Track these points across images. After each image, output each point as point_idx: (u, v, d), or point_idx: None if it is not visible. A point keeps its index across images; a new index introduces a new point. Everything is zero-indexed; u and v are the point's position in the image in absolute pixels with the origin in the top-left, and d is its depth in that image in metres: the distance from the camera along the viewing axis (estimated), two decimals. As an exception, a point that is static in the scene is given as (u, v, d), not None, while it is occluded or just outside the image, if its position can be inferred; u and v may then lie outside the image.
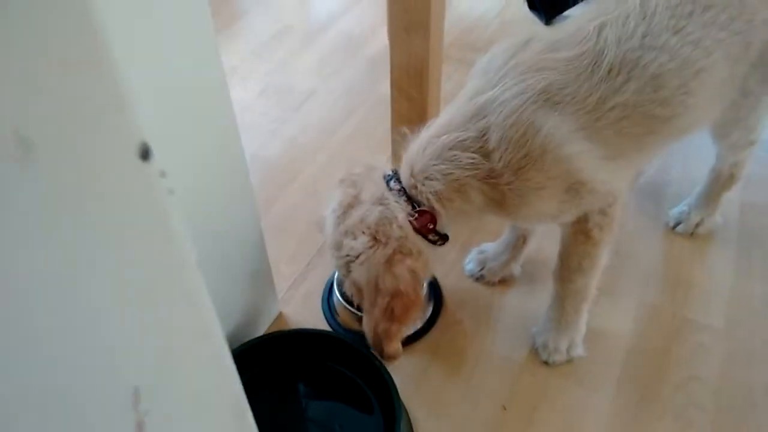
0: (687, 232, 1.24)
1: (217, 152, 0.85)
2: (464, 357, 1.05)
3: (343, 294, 1.07)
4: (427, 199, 0.85)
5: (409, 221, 0.86)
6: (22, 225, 0.25)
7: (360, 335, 0.98)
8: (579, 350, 1.04)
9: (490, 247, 1.18)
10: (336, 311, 1.12)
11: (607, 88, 0.80)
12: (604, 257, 0.97)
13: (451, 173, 0.84)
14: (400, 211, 0.85)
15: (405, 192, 0.87)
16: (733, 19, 0.85)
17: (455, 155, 0.83)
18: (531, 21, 1.94)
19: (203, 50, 0.76)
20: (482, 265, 1.17)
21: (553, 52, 0.82)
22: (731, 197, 1.25)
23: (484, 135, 0.82)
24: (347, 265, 0.88)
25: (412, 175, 0.86)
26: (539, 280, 1.17)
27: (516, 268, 1.17)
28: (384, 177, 0.89)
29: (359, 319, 1.04)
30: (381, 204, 0.86)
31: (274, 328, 1.11)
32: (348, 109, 1.60)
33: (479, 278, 1.18)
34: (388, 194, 0.87)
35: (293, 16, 2.02)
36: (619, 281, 1.17)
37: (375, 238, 0.85)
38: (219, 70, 0.80)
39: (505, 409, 0.98)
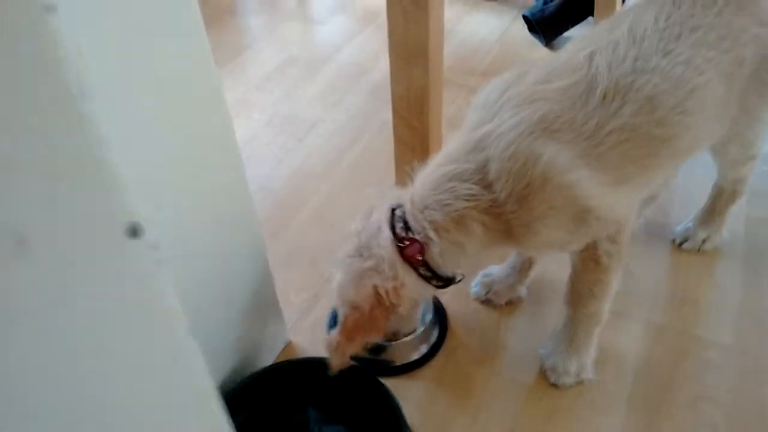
0: (694, 249, 1.24)
1: (221, 187, 0.87)
2: (472, 381, 1.06)
3: None
4: (423, 227, 0.87)
5: (398, 246, 0.87)
6: (17, 310, 0.28)
7: (363, 361, 1.02)
8: (589, 373, 1.04)
9: (496, 269, 1.19)
10: None
11: (604, 114, 0.82)
12: (615, 283, 0.97)
13: (449, 204, 0.85)
14: (385, 235, 0.88)
15: (404, 220, 0.88)
16: (722, 38, 0.87)
17: (453, 186, 0.84)
18: (531, 44, 1.98)
19: (206, 87, 0.78)
20: (488, 288, 1.18)
21: (546, 83, 0.84)
22: (736, 212, 1.26)
23: (484, 167, 0.83)
24: (335, 270, 0.92)
25: (412, 203, 0.88)
26: (546, 301, 1.18)
27: (522, 291, 1.18)
28: (393, 204, 0.91)
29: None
30: (378, 227, 0.89)
31: (283, 357, 1.12)
32: (352, 138, 1.63)
33: (485, 301, 1.18)
34: (387, 220, 0.89)
35: (297, 48, 2.06)
36: (626, 300, 1.17)
37: (359, 252, 0.89)
38: (223, 107, 0.81)
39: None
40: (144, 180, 0.72)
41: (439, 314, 1.16)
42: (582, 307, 0.99)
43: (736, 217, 1.26)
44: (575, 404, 1.01)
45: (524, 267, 1.15)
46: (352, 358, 1.05)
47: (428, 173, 0.89)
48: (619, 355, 1.08)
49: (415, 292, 0.91)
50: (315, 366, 1.00)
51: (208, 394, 0.42)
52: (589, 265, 0.94)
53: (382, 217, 0.90)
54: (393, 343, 1.07)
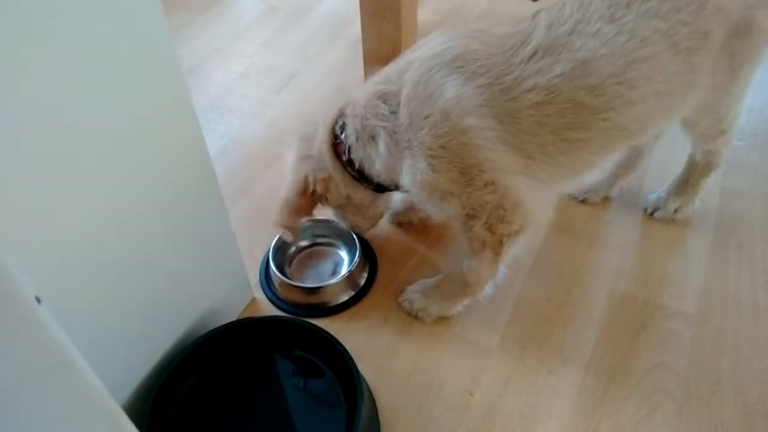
0: (665, 219, 1.24)
1: (179, 150, 0.84)
2: (433, 342, 1.06)
3: (278, 265, 1.12)
4: (350, 133, 0.94)
5: (330, 143, 0.96)
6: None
7: (298, 307, 1.10)
8: (453, 312, 1.07)
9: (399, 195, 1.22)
10: (273, 283, 1.14)
11: (528, 69, 0.80)
12: (487, 278, 0.99)
13: (368, 119, 0.91)
14: (322, 130, 0.97)
15: (344, 122, 0.95)
16: (679, 9, 0.83)
17: (376, 104, 0.90)
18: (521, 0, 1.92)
19: (160, 53, 0.74)
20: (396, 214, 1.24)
21: (490, 28, 0.84)
22: (711, 183, 1.25)
23: (401, 90, 0.86)
24: None
25: (352, 109, 0.95)
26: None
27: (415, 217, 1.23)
28: (341, 106, 0.98)
29: (297, 290, 1.11)
30: (322, 126, 0.98)
31: (248, 314, 1.11)
32: (329, 93, 1.59)
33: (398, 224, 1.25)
34: (330, 119, 0.97)
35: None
36: (593, 269, 1.17)
37: (305, 141, 1.00)
38: (177, 70, 0.78)
39: (471, 394, 0.99)
40: (100, 143, 0.70)
41: (369, 257, 1.18)
42: (456, 281, 1.01)
43: (710, 188, 1.25)
44: (534, 368, 1.02)
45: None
46: (282, 302, 1.10)
47: (367, 87, 0.93)
48: (581, 323, 1.08)
49: (347, 188, 1.00)
50: (275, 324, 1.00)
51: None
52: (466, 250, 0.95)
53: (330, 116, 0.98)
54: (325, 284, 1.10)
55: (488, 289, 1.03)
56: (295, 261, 1.20)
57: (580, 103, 0.81)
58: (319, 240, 1.23)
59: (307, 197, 1.00)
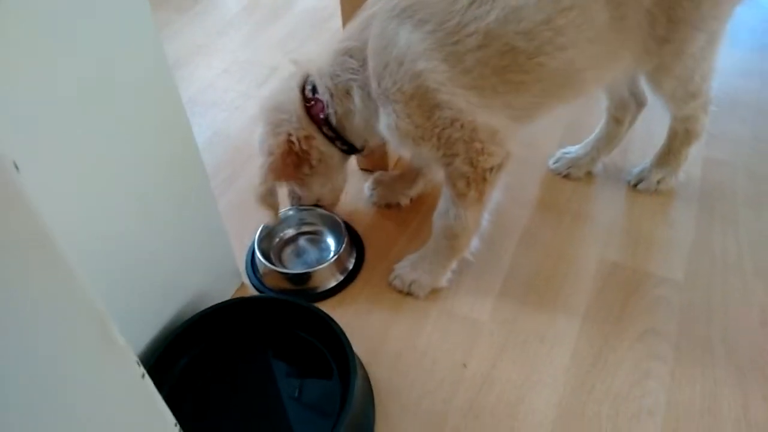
0: (649, 190, 1.25)
1: (167, 140, 0.85)
2: (424, 320, 1.06)
3: (263, 252, 1.12)
4: (323, 92, 0.99)
5: (305, 106, 1.01)
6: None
7: (286, 294, 1.09)
8: (444, 283, 1.09)
9: (387, 174, 1.28)
10: (258, 270, 1.13)
11: (469, 15, 0.84)
12: (474, 223, 1.01)
13: (338, 75, 0.96)
14: (295, 94, 1.02)
15: (313, 84, 1.00)
16: None
17: (344, 60, 0.95)
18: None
19: (145, 44, 0.75)
20: (376, 191, 1.26)
21: None
22: (693, 153, 1.26)
23: (365, 45, 0.91)
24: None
25: (319, 70, 0.99)
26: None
27: (405, 199, 1.25)
28: (307, 71, 1.02)
29: (284, 277, 1.10)
30: (291, 87, 1.03)
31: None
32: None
33: (379, 205, 1.26)
34: (298, 82, 1.02)
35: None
36: (580, 241, 1.17)
37: (278, 109, 1.03)
38: (162, 63, 0.79)
39: (465, 366, 0.99)
40: (91, 135, 0.71)
41: (356, 243, 1.18)
42: (444, 239, 1.04)
43: (693, 158, 1.26)
44: (527, 338, 1.02)
45: (410, 177, 1.23)
46: (268, 289, 1.09)
47: (330, 46, 0.98)
48: (571, 292, 1.08)
49: (323, 148, 1.04)
50: (265, 303, 0.99)
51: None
52: (451, 194, 0.97)
53: (296, 81, 1.02)
54: (312, 270, 1.10)
55: (475, 242, 1.05)
56: (281, 249, 1.19)
57: (515, 47, 0.86)
58: (305, 228, 1.22)
59: (292, 157, 1.03)
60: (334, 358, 0.94)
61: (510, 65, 0.87)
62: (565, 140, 1.37)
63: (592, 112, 1.33)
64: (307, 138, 1.03)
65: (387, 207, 1.25)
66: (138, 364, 0.40)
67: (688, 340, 1.01)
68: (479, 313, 1.06)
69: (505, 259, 1.14)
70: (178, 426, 0.46)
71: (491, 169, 0.93)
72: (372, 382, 0.96)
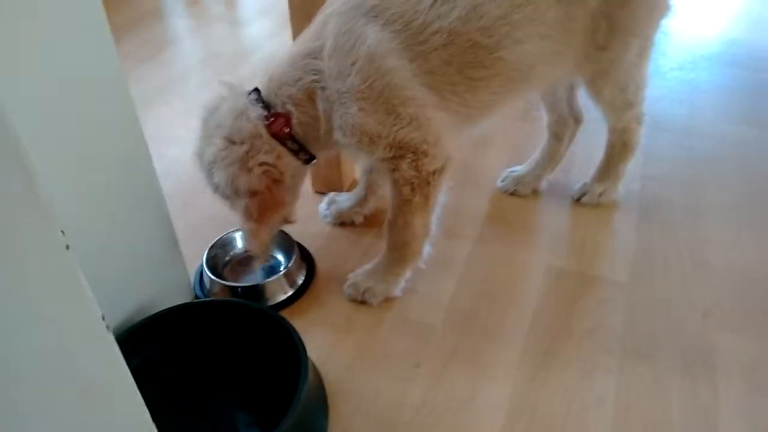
0: (592, 203, 1.31)
1: (125, 165, 0.90)
2: (378, 326, 1.07)
3: (212, 269, 1.12)
4: (283, 103, 0.94)
5: (265, 124, 0.94)
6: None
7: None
8: (397, 292, 1.10)
9: (341, 196, 1.30)
10: (209, 290, 1.13)
11: (432, 13, 0.89)
12: (422, 228, 1.03)
13: (301, 78, 0.93)
14: (254, 113, 0.94)
15: (262, 100, 0.95)
16: None
17: (306, 63, 0.93)
18: None
19: (106, 68, 0.81)
20: (331, 210, 1.29)
21: None
22: (632, 171, 1.33)
23: (326, 43, 0.91)
24: (210, 174, 0.95)
25: (270, 82, 0.95)
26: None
27: (359, 218, 1.28)
28: (246, 91, 0.97)
29: (233, 291, 1.10)
30: (237, 110, 0.94)
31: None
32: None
33: (338, 224, 1.28)
34: (245, 102, 0.95)
35: (220, 44, 2.08)
36: (528, 250, 1.21)
37: (230, 140, 0.94)
38: (124, 89, 0.85)
39: (418, 366, 0.99)
40: (50, 159, 0.75)
41: (307, 260, 1.19)
42: (395, 247, 1.06)
43: (631, 176, 1.34)
44: (478, 339, 1.03)
45: (363, 195, 1.26)
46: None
47: (285, 54, 0.96)
48: (519, 296, 1.11)
49: (293, 164, 0.99)
50: (217, 307, 0.99)
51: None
52: (399, 202, 1.00)
53: (239, 103, 0.95)
54: (261, 283, 1.10)
55: (427, 249, 1.07)
56: (231, 267, 1.19)
57: (476, 43, 0.91)
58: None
59: (277, 185, 0.96)
60: (286, 359, 0.94)
61: (472, 62, 0.92)
62: (512, 162, 1.43)
63: (536, 136, 1.40)
64: (279, 158, 0.96)
65: (341, 225, 1.28)
66: (62, 233, 0.39)
67: (634, 334, 1.04)
68: (432, 318, 1.07)
69: (457, 268, 1.17)
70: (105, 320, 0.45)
71: (434, 172, 0.97)
72: (326, 385, 0.96)
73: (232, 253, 1.21)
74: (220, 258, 1.19)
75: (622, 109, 1.16)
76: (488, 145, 1.52)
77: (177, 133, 1.60)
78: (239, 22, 2.27)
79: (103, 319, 0.46)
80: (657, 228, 1.25)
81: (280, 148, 0.96)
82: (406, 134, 0.93)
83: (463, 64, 0.92)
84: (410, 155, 0.94)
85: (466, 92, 0.95)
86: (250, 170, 0.93)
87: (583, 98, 1.23)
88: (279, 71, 0.95)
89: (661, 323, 1.05)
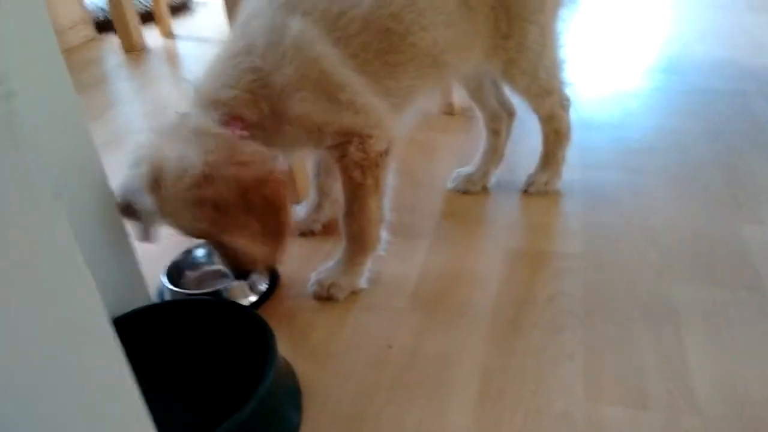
0: (539, 192, 1.36)
1: (85, 185, 0.90)
2: (345, 318, 1.06)
3: (173, 281, 1.11)
4: (231, 107, 0.91)
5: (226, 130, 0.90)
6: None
7: None
8: (362, 285, 1.11)
9: (297, 207, 1.30)
10: (166, 299, 1.11)
11: (345, 3, 0.94)
12: (376, 211, 1.05)
13: (240, 79, 0.92)
14: (213, 125, 0.89)
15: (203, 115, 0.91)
16: None
17: (240, 61, 0.92)
18: None
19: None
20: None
21: None
22: (574, 163, 1.41)
23: (255, 41, 0.93)
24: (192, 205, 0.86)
25: (205, 95, 0.92)
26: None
27: (317, 226, 1.29)
28: (179, 119, 0.91)
29: None
30: (192, 135, 0.87)
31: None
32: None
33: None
34: (191, 125, 0.89)
35: (166, 99, 2.12)
36: (484, 238, 1.24)
37: (206, 162, 0.84)
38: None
39: (390, 347, 0.98)
40: None
41: (269, 270, 1.17)
42: (353, 237, 1.07)
43: (572, 167, 1.41)
44: (447, 317, 1.04)
45: (317, 203, 1.28)
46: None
47: (212, 64, 0.95)
48: (482, 275, 1.13)
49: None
50: (186, 305, 0.97)
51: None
52: (351, 188, 1.02)
53: (186, 128, 0.89)
54: (220, 288, 1.09)
55: (384, 235, 1.10)
56: (191, 281, 1.17)
57: (388, 29, 0.97)
58: (216, 264, 1.19)
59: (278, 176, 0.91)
60: (256, 354, 0.92)
61: (387, 47, 0.97)
62: (461, 166, 1.48)
63: (480, 143, 1.46)
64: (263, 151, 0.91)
65: (302, 236, 1.28)
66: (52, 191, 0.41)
67: (594, 296, 1.06)
68: (399, 303, 1.08)
69: (418, 259, 1.19)
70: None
71: (381, 153, 1.00)
72: (299, 378, 0.94)
73: (192, 268, 1.19)
74: (181, 272, 1.17)
75: (540, 95, 1.23)
76: (436, 154, 1.58)
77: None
78: (183, 80, 2.32)
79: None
80: (603, 206, 1.31)
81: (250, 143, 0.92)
82: (350, 119, 0.96)
83: (380, 50, 0.97)
84: (356, 139, 0.98)
85: (387, 78, 0.99)
86: (242, 163, 0.86)
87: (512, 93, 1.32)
88: (212, 80, 0.94)
89: (619, 284, 1.09)
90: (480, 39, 1.10)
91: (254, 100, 0.93)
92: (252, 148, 0.89)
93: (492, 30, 1.10)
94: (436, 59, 1.05)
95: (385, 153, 1.01)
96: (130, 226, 0.97)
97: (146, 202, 0.87)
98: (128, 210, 0.92)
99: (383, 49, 0.98)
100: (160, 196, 0.86)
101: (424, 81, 1.07)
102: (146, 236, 0.97)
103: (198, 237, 0.94)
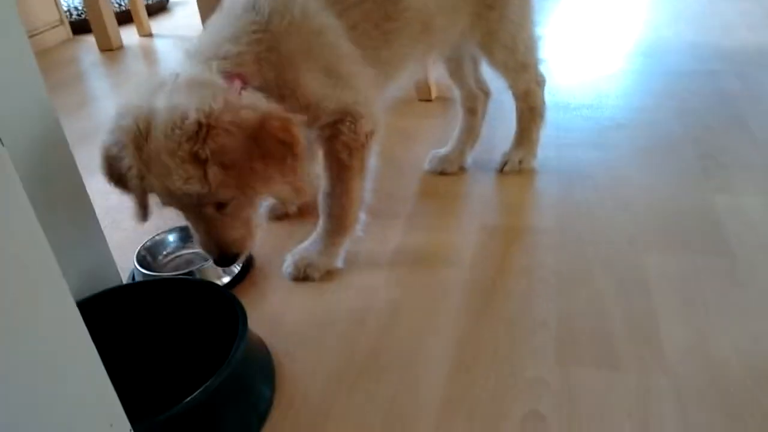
0: (514, 170, 1.37)
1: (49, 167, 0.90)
2: (320, 297, 1.06)
3: (146, 266, 1.10)
4: (234, 63, 0.86)
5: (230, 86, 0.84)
6: None
7: None
8: (339, 264, 1.10)
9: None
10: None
11: None
12: (358, 193, 1.05)
13: (244, 34, 0.88)
14: (212, 77, 0.83)
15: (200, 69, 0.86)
16: None
17: (246, 19, 0.89)
18: None
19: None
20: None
21: None
22: (549, 142, 1.42)
23: (259, 2, 0.90)
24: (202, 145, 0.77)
25: (203, 50, 0.88)
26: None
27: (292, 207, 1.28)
28: (170, 75, 0.84)
29: None
30: (185, 86, 0.81)
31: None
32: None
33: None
34: (185, 77, 0.83)
35: (143, 95, 2.11)
36: (461, 216, 1.25)
37: (203, 111, 0.77)
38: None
39: (363, 323, 0.98)
40: None
41: None
42: (333, 217, 1.07)
43: (547, 146, 1.42)
44: (423, 292, 1.04)
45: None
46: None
47: (213, 25, 0.92)
48: (458, 251, 1.13)
49: None
50: (157, 285, 0.97)
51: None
52: (337, 170, 1.02)
53: (184, 76, 0.83)
54: (193, 269, 1.09)
55: (362, 217, 1.10)
56: (164, 266, 1.17)
57: None
58: (189, 248, 1.19)
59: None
60: (227, 328, 0.91)
61: (384, 15, 0.98)
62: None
63: (455, 127, 1.46)
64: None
65: (278, 219, 1.28)
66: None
67: (567, 265, 1.07)
68: (374, 280, 1.08)
69: (394, 238, 1.19)
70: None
71: (369, 134, 1.00)
72: (273, 356, 0.93)
73: (164, 252, 1.18)
74: (154, 257, 1.16)
75: (516, 70, 1.25)
76: (413, 139, 1.58)
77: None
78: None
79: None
80: (577, 181, 1.32)
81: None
82: (346, 97, 0.96)
83: (378, 18, 0.98)
84: (349, 118, 0.97)
85: (383, 48, 1.00)
86: (252, 110, 0.80)
87: (489, 73, 1.33)
88: (216, 39, 0.89)
89: (591, 254, 1.09)
90: (466, 4, 1.12)
91: (258, 62, 0.88)
92: (255, 97, 0.83)
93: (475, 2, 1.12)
94: (426, 24, 1.05)
95: (372, 135, 1.01)
96: (130, 203, 0.90)
97: (131, 159, 0.79)
98: (114, 175, 0.84)
99: (380, 17, 0.98)
100: (146, 152, 0.77)
101: (415, 48, 1.08)
102: (142, 211, 0.88)
103: (183, 206, 0.85)
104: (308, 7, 0.92)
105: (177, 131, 0.76)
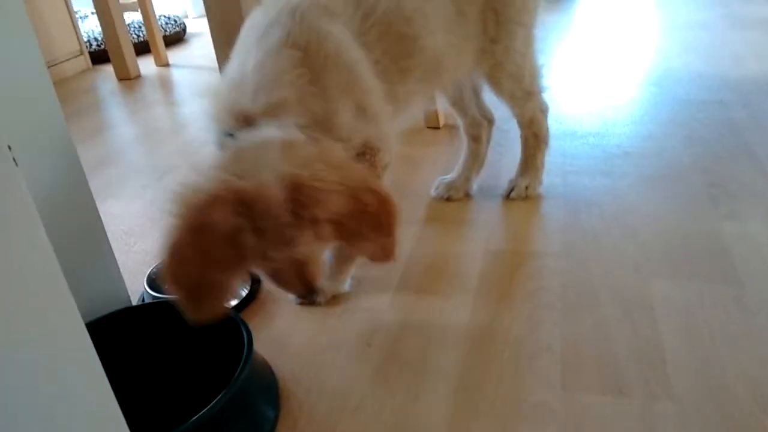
0: (520, 196, 1.38)
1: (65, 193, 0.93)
2: (326, 321, 1.07)
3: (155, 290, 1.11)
4: (286, 109, 0.83)
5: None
6: None
7: None
8: (346, 288, 1.11)
9: None
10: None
11: (366, 7, 0.97)
12: None
13: (286, 75, 0.85)
14: (290, 132, 0.80)
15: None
16: None
17: (286, 54, 0.86)
18: None
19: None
20: None
21: None
22: (555, 169, 1.44)
23: (290, 33, 0.87)
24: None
25: (255, 98, 0.84)
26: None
27: None
28: (223, 137, 0.83)
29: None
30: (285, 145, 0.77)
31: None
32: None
33: None
34: (278, 134, 0.79)
35: (158, 122, 2.16)
36: (466, 241, 1.26)
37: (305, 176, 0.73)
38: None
39: (369, 345, 0.99)
40: None
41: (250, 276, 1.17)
42: (343, 248, 1.05)
43: (553, 173, 1.43)
44: (425, 316, 1.04)
45: None
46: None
47: (247, 65, 0.87)
48: (462, 276, 1.14)
49: None
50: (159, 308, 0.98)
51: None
52: None
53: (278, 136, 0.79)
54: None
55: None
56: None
57: (403, 34, 0.99)
58: None
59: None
60: (232, 351, 0.92)
61: (402, 52, 0.99)
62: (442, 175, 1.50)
63: (460, 154, 1.48)
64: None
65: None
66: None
67: (572, 291, 1.07)
68: (379, 304, 1.08)
69: (401, 262, 1.20)
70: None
71: (383, 167, 1.01)
72: (278, 380, 0.94)
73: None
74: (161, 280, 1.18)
75: (523, 98, 1.26)
76: (420, 166, 1.60)
77: (115, 192, 1.62)
78: (175, 103, 2.36)
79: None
80: (583, 208, 1.32)
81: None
82: (370, 131, 0.95)
83: (396, 54, 0.99)
84: (369, 152, 0.97)
85: (398, 83, 1.00)
86: (350, 170, 0.79)
87: (491, 100, 1.35)
88: (257, 82, 0.85)
89: (597, 279, 1.09)
90: (471, 43, 1.13)
91: (302, 101, 0.85)
92: (339, 151, 0.81)
93: (481, 34, 1.14)
94: (437, 63, 1.07)
95: (386, 166, 1.02)
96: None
97: (248, 240, 0.73)
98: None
99: (399, 53, 0.99)
100: (256, 229, 0.72)
101: (426, 85, 1.10)
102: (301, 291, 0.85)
103: (279, 267, 0.80)
104: (342, 42, 0.92)
105: (285, 202, 0.72)
